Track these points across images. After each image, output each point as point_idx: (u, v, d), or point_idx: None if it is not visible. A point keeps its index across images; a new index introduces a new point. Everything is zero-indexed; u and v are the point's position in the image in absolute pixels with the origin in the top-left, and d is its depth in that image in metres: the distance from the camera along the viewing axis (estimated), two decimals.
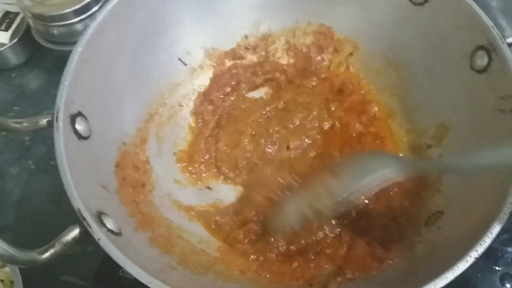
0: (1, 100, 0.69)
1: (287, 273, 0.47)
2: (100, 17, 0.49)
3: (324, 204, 0.46)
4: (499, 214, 0.37)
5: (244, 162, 0.57)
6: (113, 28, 0.50)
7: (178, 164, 0.57)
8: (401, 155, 0.56)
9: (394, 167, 0.44)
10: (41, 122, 0.44)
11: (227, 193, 0.56)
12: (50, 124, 0.43)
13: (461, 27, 0.50)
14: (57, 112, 0.43)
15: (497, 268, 0.54)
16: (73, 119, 0.44)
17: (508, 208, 0.37)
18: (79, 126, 0.45)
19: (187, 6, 0.58)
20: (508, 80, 0.44)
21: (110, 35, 0.50)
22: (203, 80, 0.63)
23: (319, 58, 0.63)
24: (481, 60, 0.48)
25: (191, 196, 0.55)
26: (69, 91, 0.44)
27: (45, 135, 0.60)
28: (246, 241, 0.48)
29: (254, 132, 0.59)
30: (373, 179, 0.44)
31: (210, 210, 0.54)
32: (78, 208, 0.38)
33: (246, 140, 0.58)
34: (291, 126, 0.59)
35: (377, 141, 0.56)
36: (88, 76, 0.48)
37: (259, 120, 0.60)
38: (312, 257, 0.48)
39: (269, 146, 0.58)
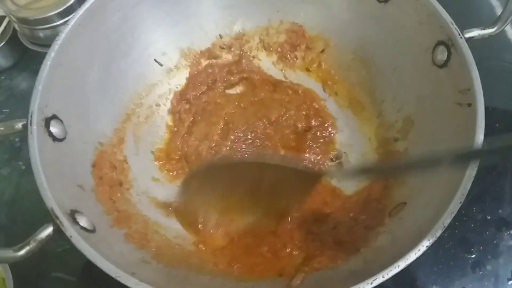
0: None
1: (258, 263, 0.49)
2: (72, 22, 0.51)
3: None
4: (450, 206, 0.38)
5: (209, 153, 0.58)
6: (86, 33, 0.52)
7: (156, 162, 0.59)
8: None
9: None
10: (16, 126, 0.45)
11: None
12: (25, 127, 0.45)
13: (423, 23, 0.52)
14: (31, 116, 0.44)
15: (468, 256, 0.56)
16: (47, 122, 0.46)
17: (459, 199, 0.39)
18: (54, 129, 0.46)
19: (160, 8, 0.60)
20: (465, 75, 0.46)
21: (84, 39, 0.52)
22: (179, 79, 0.64)
23: (292, 55, 0.65)
24: (442, 55, 0.50)
25: (169, 193, 0.57)
26: (43, 95, 0.46)
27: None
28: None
29: (225, 124, 0.61)
30: None
31: None
32: (51, 208, 0.40)
33: (217, 132, 0.60)
34: (265, 120, 0.61)
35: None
36: (63, 80, 0.49)
37: (233, 111, 0.62)
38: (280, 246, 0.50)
39: (238, 137, 0.60)
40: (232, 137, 0.59)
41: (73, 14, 0.61)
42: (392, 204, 0.49)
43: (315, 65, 0.64)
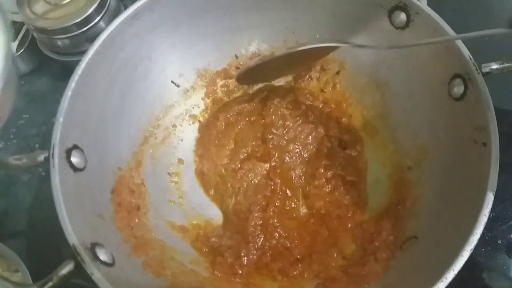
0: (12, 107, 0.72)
1: None
2: (91, 51, 0.51)
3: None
4: (460, 253, 0.39)
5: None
6: (105, 60, 0.53)
7: (172, 184, 0.60)
8: None
9: None
10: (39, 158, 0.47)
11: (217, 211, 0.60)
12: (47, 159, 0.46)
13: (440, 54, 0.51)
14: (52, 148, 0.46)
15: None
16: (68, 153, 0.47)
17: (471, 246, 0.39)
18: (75, 159, 0.48)
19: (177, 31, 0.60)
20: (481, 112, 0.46)
21: (103, 67, 0.53)
22: (196, 100, 0.65)
23: (307, 76, 0.65)
24: (458, 88, 0.49)
25: (185, 215, 0.58)
26: (64, 127, 0.47)
27: None
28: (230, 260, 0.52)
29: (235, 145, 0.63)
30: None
31: (201, 230, 0.57)
32: (73, 244, 0.41)
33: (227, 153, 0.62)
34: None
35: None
36: (83, 109, 0.50)
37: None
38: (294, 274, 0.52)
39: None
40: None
41: (97, 20, 0.65)
42: (403, 237, 0.50)
43: (330, 86, 0.64)
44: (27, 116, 0.72)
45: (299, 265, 0.51)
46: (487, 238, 0.59)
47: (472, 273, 0.57)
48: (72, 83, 0.49)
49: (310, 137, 0.62)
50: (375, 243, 0.51)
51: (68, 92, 0.49)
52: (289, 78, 0.66)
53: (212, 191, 0.60)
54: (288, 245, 0.54)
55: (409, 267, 0.46)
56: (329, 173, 0.59)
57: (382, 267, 0.48)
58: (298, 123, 0.62)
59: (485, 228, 0.57)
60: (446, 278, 0.38)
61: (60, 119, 0.47)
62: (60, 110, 0.48)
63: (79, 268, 0.41)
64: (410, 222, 0.51)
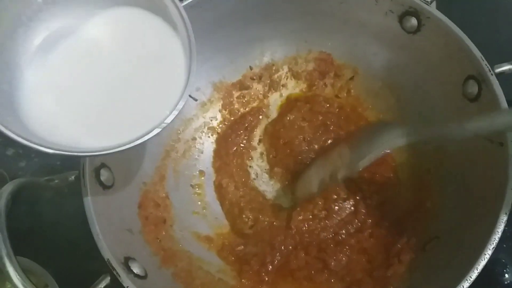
0: None
1: None
2: None
3: (338, 170, 0.53)
4: (483, 251, 0.40)
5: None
6: None
7: (196, 196, 0.62)
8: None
9: (396, 133, 0.50)
10: (70, 178, 0.49)
11: None
12: (78, 178, 0.48)
13: (452, 57, 0.52)
14: (82, 168, 0.48)
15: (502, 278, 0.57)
16: (97, 171, 0.49)
17: (492, 245, 0.40)
18: (104, 177, 0.50)
19: None
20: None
21: None
22: (213, 112, 0.67)
23: (321, 83, 0.66)
24: (472, 89, 0.50)
25: (209, 226, 0.60)
26: None
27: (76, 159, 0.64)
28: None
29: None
30: (380, 145, 0.51)
31: (225, 239, 0.58)
32: (108, 259, 0.43)
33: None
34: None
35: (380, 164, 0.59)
36: None
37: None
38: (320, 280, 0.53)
39: None
40: None
41: None
42: (426, 238, 0.50)
43: (344, 92, 0.65)
44: None
45: (325, 271, 0.52)
46: (508, 234, 0.59)
47: (494, 270, 0.57)
48: None
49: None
50: (398, 245, 0.52)
51: None
52: (303, 85, 0.67)
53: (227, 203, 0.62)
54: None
55: (433, 267, 0.46)
56: None
57: (406, 268, 0.49)
58: (318, 133, 0.62)
59: (506, 224, 0.59)
60: (471, 277, 0.39)
61: None
62: None
63: (115, 282, 0.43)
64: (431, 223, 0.51)
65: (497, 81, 0.48)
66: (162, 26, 0.40)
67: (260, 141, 0.66)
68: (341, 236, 0.55)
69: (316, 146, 0.61)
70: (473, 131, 0.43)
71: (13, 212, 0.42)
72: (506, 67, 0.49)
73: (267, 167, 0.64)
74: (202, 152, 0.65)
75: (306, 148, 0.62)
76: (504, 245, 0.58)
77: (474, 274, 0.40)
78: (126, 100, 0.39)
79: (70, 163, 0.50)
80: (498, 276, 0.57)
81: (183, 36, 0.41)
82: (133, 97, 0.39)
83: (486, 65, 0.48)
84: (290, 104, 0.66)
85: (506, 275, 0.57)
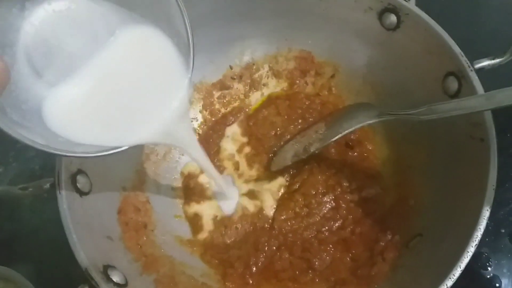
0: None
1: None
2: None
3: (312, 144, 0.57)
4: (466, 248, 0.40)
5: None
6: None
7: (177, 200, 0.61)
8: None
9: (370, 112, 0.53)
10: (45, 186, 0.47)
11: None
12: (53, 186, 0.47)
13: (432, 53, 0.52)
14: (58, 175, 0.46)
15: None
16: (73, 178, 0.48)
17: (475, 242, 0.40)
18: (80, 184, 0.48)
19: None
20: None
21: None
22: (193, 113, 0.66)
23: (302, 81, 0.66)
24: (452, 85, 0.50)
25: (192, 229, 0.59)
26: None
27: (54, 164, 0.62)
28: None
29: None
30: (354, 121, 0.54)
31: (209, 243, 0.57)
32: (86, 268, 0.42)
33: None
34: None
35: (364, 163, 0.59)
36: None
37: None
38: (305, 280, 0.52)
39: None
40: None
41: None
42: (409, 235, 0.50)
43: (325, 90, 0.65)
44: None
45: (310, 271, 0.52)
46: (490, 228, 0.59)
47: (478, 263, 0.58)
48: None
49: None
50: (381, 243, 0.51)
51: None
52: (284, 84, 0.67)
53: None
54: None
55: (417, 265, 0.46)
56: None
57: (390, 266, 0.49)
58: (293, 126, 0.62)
59: (488, 219, 0.59)
60: (454, 275, 0.39)
61: None
62: None
63: None
64: (414, 220, 0.51)
65: (476, 77, 0.48)
66: (166, 41, 0.44)
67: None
68: (324, 234, 0.54)
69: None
70: (440, 112, 0.46)
71: None
72: (485, 63, 0.49)
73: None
74: (183, 154, 0.63)
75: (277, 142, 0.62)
76: (487, 239, 0.59)
77: (457, 272, 0.39)
78: (136, 106, 0.42)
79: (50, 167, 0.48)
80: (481, 270, 0.57)
81: (185, 46, 0.45)
82: (141, 103, 0.42)
83: (465, 61, 0.48)
84: (270, 101, 0.65)
85: (489, 268, 0.57)
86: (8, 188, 0.47)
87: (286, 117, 0.63)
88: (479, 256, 0.58)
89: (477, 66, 0.49)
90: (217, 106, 0.67)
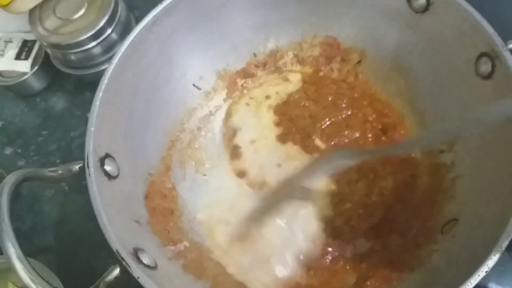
0: (30, 126, 0.73)
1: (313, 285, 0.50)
2: (115, 60, 0.52)
3: None
4: (506, 228, 0.38)
5: None
6: (129, 68, 0.53)
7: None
8: None
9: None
10: (74, 169, 0.47)
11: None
12: (82, 169, 0.47)
13: (464, 34, 0.51)
14: (87, 158, 0.46)
15: None
16: (102, 161, 0.48)
17: None
18: (108, 167, 0.48)
19: (193, 34, 0.60)
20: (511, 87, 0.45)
21: (127, 74, 0.53)
22: (217, 101, 0.65)
23: (328, 68, 0.65)
24: (485, 66, 0.49)
25: None
26: (95, 136, 0.47)
27: (75, 157, 0.60)
28: None
29: None
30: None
31: None
32: (117, 250, 0.41)
33: None
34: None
35: None
36: (111, 118, 0.51)
37: None
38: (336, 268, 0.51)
39: None
40: None
41: (109, 32, 0.65)
42: (443, 221, 0.49)
43: (352, 76, 0.64)
44: (46, 132, 0.72)
45: (341, 259, 0.51)
46: None
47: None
48: (100, 93, 0.50)
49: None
50: (414, 229, 0.50)
51: (97, 102, 0.49)
52: (309, 71, 0.66)
53: None
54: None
55: (453, 249, 0.45)
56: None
57: (424, 252, 0.47)
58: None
59: None
60: (495, 255, 0.38)
61: (91, 128, 0.48)
62: (90, 119, 0.48)
63: (125, 272, 0.41)
64: (448, 205, 0.50)
65: (511, 57, 0.46)
66: None
67: None
68: (355, 221, 0.53)
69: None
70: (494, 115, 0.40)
71: (13, 211, 0.41)
72: None
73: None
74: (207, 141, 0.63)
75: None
76: None
77: (498, 253, 0.38)
78: None
79: (70, 160, 0.48)
80: None
81: None
82: None
83: (499, 41, 0.47)
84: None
85: None
86: (37, 170, 0.47)
87: (316, 101, 0.62)
88: None
89: (511, 46, 0.47)
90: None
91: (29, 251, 0.54)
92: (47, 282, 0.40)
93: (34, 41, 0.74)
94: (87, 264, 0.59)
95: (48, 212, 0.65)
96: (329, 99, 0.61)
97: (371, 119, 0.60)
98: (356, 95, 0.62)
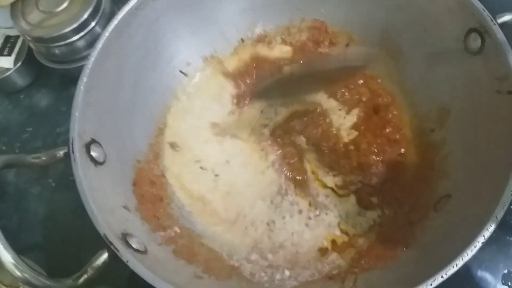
0: (15, 123, 0.71)
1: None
2: (99, 44, 0.50)
3: None
4: (501, 199, 0.38)
5: None
6: (113, 53, 0.52)
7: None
8: None
9: None
10: (58, 155, 0.46)
11: None
12: (67, 155, 0.45)
13: (452, 11, 0.50)
14: (72, 143, 0.45)
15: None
16: (87, 147, 0.46)
17: (510, 197, 0.38)
18: (94, 153, 0.47)
19: (180, 19, 0.59)
20: (502, 61, 0.45)
21: (112, 60, 0.52)
22: None
23: (316, 53, 0.64)
24: (475, 42, 0.48)
25: None
26: (80, 121, 0.46)
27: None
28: None
29: None
30: None
31: None
32: (104, 234, 0.40)
33: None
34: None
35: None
36: (96, 103, 0.49)
37: None
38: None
39: None
40: None
41: (93, 25, 0.64)
42: (435, 198, 0.49)
43: None
44: (31, 129, 0.71)
45: None
46: None
47: (506, 232, 0.56)
48: (84, 77, 0.48)
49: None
50: (406, 207, 0.50)
51: (81, 87, 0.48)
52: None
53: None
54: None
55: (447, 225, 0.45)
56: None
57: (418, 229, 0.47)
58: None
59: None
60: (491, 226, 0.37)
61: (75, 113, 0.46)
62: (75, 104, 0.47)
63: (114, 257, 0.40)
64: (441, 182, 0.50)
65: (500, 31, 0.46)
66: None
67: None
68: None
69: None
70: None
71: None
72: (508, 17, 0.48)
73: None
74: None
75: None
76: None
77: (493, 224, 0.38)
78: None
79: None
80: (506, 237, 0.55)
81: None
82: None
83: (488, 15, 0.47)
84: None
85: None
86: (19, 156, 0.46)
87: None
88: (505, 225, 0.56)
89: (500, 20, 0.47)
90: None
91: (16, 249, 0.53)
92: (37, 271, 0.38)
93: (17, 37, 0.73)
94: (77, 261, 0.56)
95: (35, 209, 0.64)
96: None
97: (365, 99, 0.60)
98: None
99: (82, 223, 0.59)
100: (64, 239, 0.61)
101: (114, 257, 0.40)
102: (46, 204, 0.64)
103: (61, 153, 0.46)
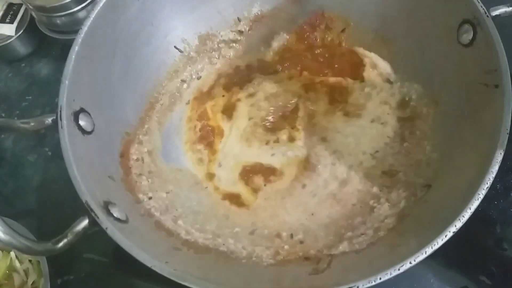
0: (14, 91, 0.72)
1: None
2: (93, 14, 0.51)
3: None
4: (477, 190, 0.38)
5: None
6: (107, 24, 0.52)
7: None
8: None
9: None
10: (46, 121, 0.47)
11: None
12: (55, 122, 0.46)
13: (447, 1, 0.50)
14: (60, 110, 0.45)
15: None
16: (76, 115, 0.47)
17: (487, 185, 0.39)
18: (83, 122, 0.48)
19: None
20: (492, 55, 0.45)
21: (105, 31, 0.52)
22: (200, 65, 0.64)
23: (312, 36, 0.64)
24: (467, 34, 0.48)
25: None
26: (70, 89, 0.47)
27: None
28: None
29: None
30: None
31: None
32: (86, 201, 0.41)
33: None
34: None
35: None
36: (88, 72, 0.50)
37: None
38: None
39: None
40: None
41: (94, 5, 0.64)
42: (416, 187, 0.49)
43: (335, 45, 0.63)
44: (30, 97, 0.72)
45: None
46: (499, 191, 0.58)
47: (485, 226, 0.56)
48: (76, 46, 0.49)
49: None
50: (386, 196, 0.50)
51: (72, 56, 0.48)
52: (293, 39, 0.65)
53: None
54: None
55: (424, 213, 0.45)
56: None
57: (396, 217, 0.47)
58: None
59: (497, 181, 0.58)
60: (463, 217, 0.38)
61: (65, 81, 0.47)
62: (65, 73, 0.47)
63: (94, 224, 0.41)
64: (422, 171, 0.50)
65: (493, 24, 0.46)
66: None
67: None
68: None
69: None
70: None
71: None
72: (502, 10, 0.47)
73: None
74: (187, 104, 0.62)
75: None
76: (495, 202, 0.58)
77: (467, 214, 0.38)
78: None
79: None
80: (489, 233, 0.56)
81: None
82: None
83: (481, 7, 0.47)
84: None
85: (497, 232, 0.56)
86: (8, 120, 0.46)
87: None
88: (487, 219, 0.57)
89: (494, 13, 0.47)
90: None
91: (10, 214, 0.54)
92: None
93: (19, 5, 0.73)
94: (67, 227, 0.58)
95: (30, 176, 0.65)
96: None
97: None
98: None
99: (75, 192, 0.61)
100: (57, 207, 0.62)
101: (94, 223, 0.41)
102: (42, 172, 0.65)
103: (49, 119, 0.47)
